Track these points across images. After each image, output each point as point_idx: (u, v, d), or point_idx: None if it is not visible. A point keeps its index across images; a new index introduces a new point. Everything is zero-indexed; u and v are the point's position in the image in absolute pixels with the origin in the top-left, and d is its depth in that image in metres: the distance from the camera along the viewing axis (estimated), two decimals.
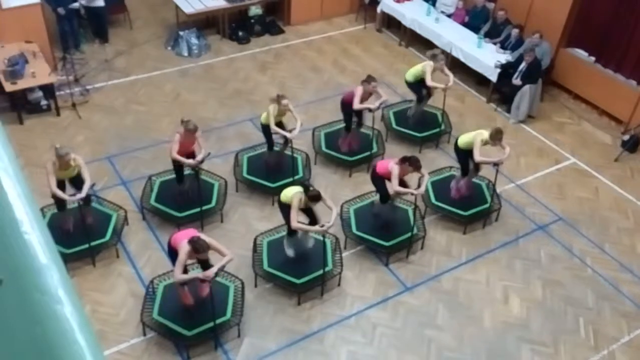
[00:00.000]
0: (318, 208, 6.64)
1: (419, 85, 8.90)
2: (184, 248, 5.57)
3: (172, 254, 5.85)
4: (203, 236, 5.73)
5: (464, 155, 7.66)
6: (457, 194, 7.84)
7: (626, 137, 9.34)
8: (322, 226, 6.28)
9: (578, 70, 10.19)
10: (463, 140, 7.60)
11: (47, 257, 0.80)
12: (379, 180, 7.18)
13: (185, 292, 6.16)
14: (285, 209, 6.49)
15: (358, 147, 8.54)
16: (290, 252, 6.82)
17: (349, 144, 8.52)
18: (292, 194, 6.36)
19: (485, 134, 7.34)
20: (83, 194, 6.42)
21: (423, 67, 8.73)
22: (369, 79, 8.08)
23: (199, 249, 5.55)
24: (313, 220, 6.64)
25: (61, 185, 6.56)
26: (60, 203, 6.74)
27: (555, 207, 8.22)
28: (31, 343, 0.77)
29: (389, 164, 7.00)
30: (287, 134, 7.54)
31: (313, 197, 6.30)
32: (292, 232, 6.73)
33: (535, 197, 8.37)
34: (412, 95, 9.32)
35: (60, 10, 9.95)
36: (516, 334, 6.54)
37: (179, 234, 5.90)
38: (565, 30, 10.11)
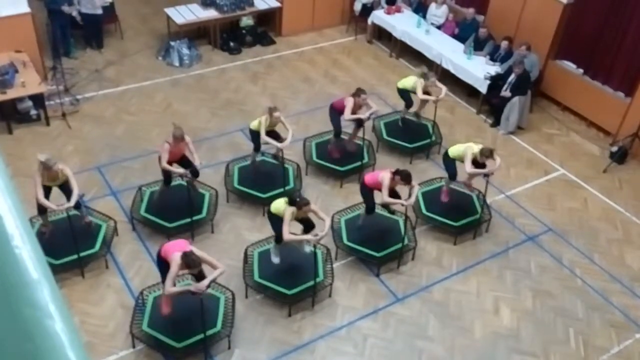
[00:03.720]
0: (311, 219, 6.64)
1: (408, 92, 8.97)
2: (175, 261, 5.53)
3: (162, 265, 5.80)
4: (194, 250, 5.70)
5: (452, 162, 7.71)
6: (446, 198, 7.94)
7: (614, 149, 9.42)
8: (316, 235, 6.27)
9: (567, 82, 10.29)
10: (454, 151, 7.65)
11: (38, 272, 0.79)
12: (367, 192, 7.18)
13: (168, 301, 6.10)
14: (275, 220, 6.48)
15: (354, 150, 8.59)
16: (276, 259, 6.82)
17: (339, 150, 8.54)
18: (282, 207, 6.34)
19: (475, 148, 7.39)
20: (71, 203, 6.39)
21: (415, 83, 8.79)
22: (359, 92, 8.13)
23: (191, 264, 5.52)
24: (309, 227, 6.64)
25: (47, 191, 6.50)
26: (41, 208, 6.64)
27: (545, 217, 8.27)
28: (22, 359, 0.76)
29: (379, 174, 7.01)
30: (278, 144, 7.56)
31: (303, 204, 6.27)
32: (279, 240, 6.70)
33: (525, 207, 8.41)
34: (402, 106, 9.34)
35: (65, 9, 9.97)
36: (506, 345, 6.55)
37: (169, 245, 5.85)
38: (554, 42, 10.22)
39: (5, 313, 0.78)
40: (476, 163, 7.46)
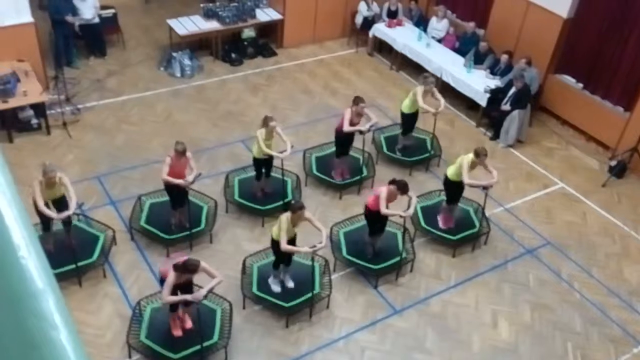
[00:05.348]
0: (307, 229, 6.63)
1: (409, 118, 8.94)
2: (171, 272, 5.53)
3: (163, 282, 5.78)
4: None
5: (452, 186, 7.67)
6: (445, 225, 7.85)
7: (613, 163, 9.45)
8: (313, 247, 6.25)
9: (566, 96, 10.34)
10: (451, 170, 7.61)
11: (44, 282, 0.81)
12: (371, 216, 7.12)
13: (176, 322, 6.10)
14: (276, 245, 6.39)
15: (349, 174, 8.56)
16: (276, 288, 6.73)
17: (342, 172, 8.53)
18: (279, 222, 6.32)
19: (470, 155, 7.39)
20: (70, 211, 6.39)
21: (414, 92, 8.79)
22: (357, 100, 8.12)
23: (189, 267, 5.52)
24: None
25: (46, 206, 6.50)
26: (45, 224, 6.66)
27: (544, 231, 8.27)
28: None
29: (377, 190, 6.99)
30: (279, 155, 7.56)
31: (297, 208, 6.23)
32: (277, 266, 6.67)
33: (523, 221, 8.42)
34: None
35: (69, 19, 10.03)
36: (505, 359, 6.53)
37: (168, 262, 5.86)
38: (553, 56, 10.28)
39: (12, 323, 0.79)
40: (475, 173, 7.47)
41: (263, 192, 8.03)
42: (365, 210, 7.15)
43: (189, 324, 6.28)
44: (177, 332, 6.13)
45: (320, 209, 8.15)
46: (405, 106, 8.93)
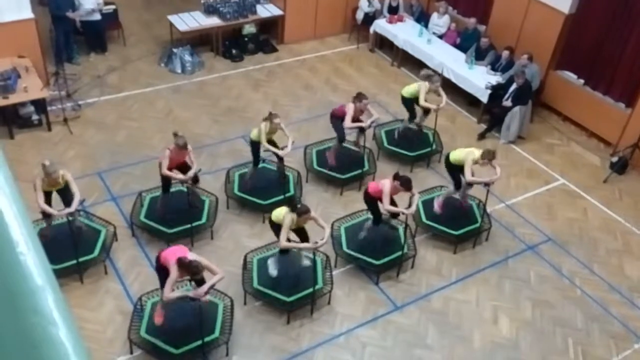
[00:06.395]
0: (310, 227, 6.64)
1: (412, 102, 8.96)
2: (175, 267, 5.53)
3: (160, 271, 5.79)
4: (193, 255, 5.70)
5: (455, 169, 7.69)
6: (440, 209, 7.88)
7: (615, 159, 9.44)
8: (316, 243, 6.26)
9: (567, 92, 10.32)
10: (455, 156, 7.64)
11: (43, 279, 0.80)
12: (372, 202, 7.17)
13: (160, 311, 6.10)
14: (276, 228, 6.48)
15: (356, 156, 8.54)
16: (274, 272, 6.76)
17: (338, 157, 8.53)
18: (282, 214, 6.35)
19: (476, 153, 7.38)
20: (72, 208, 6.40)
21: (418, 86, 8.79)
22: (360, 97, 8.12)
23: (193, 270, 5.52)
24: (305, 240, 6.62)
25: (48, 196, 6.52)
26: (45, 212, 6.66)
27: (545, 227, 8.27)
28: None
29: (381, 182, 7.01)
30: (279, 152, 7.56)
31: (302, 212, 6.28)
32: (284, 251, 6.70)
33: (525, 217, 8.41)
34: (403, 114, 9.36)
35: (70, 14, 10.05)
36: (505, 355, 6.53)
37: (168, 251, 5.85)
38: (555, 52, 10.26)
39: (10, 320, 0.79)
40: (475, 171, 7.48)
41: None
42: (365, 196, 7.17)
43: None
44: (159, 320, 6.10)
45: (322, 205, 8.15)
46: (406, 91, 8.94)
